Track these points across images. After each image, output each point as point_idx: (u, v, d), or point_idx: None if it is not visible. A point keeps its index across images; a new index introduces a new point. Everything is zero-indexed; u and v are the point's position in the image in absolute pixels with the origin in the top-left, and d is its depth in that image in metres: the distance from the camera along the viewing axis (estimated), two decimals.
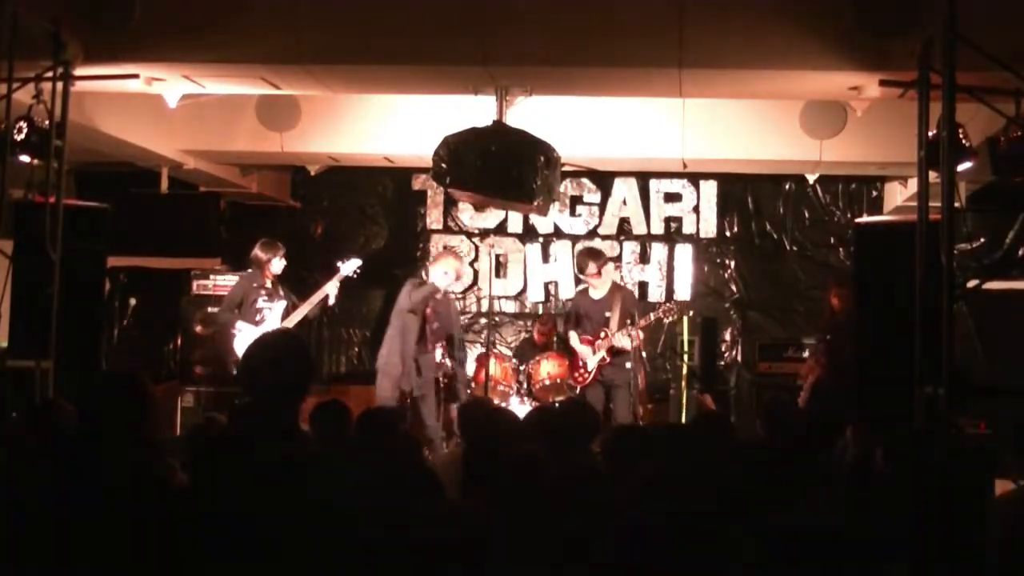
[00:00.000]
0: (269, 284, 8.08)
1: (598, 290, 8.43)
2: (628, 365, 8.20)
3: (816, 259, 10.41)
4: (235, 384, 7.50)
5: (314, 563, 2.64)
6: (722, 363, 10.40)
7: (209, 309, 9.10)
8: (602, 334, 8.26)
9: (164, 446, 3.79)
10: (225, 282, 9.22)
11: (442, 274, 8.07)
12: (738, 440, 4.63)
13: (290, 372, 3.25)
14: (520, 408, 7.90)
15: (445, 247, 10.09)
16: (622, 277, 10.04)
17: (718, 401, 9.48)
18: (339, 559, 2.64)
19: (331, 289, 8.02)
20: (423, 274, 9.47)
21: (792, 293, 10.44)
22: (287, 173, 10.86)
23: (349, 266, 8.15)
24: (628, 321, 8.16)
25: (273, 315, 8.01)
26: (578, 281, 9.43)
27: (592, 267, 8.33)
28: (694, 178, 10.44)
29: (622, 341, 8.16)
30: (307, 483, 2.78)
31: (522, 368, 9.10)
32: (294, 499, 2.72)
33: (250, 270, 8.27)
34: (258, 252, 8.08)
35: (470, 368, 8.88)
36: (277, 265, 8.08)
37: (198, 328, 9.21)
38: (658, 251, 10.60)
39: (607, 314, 8.27)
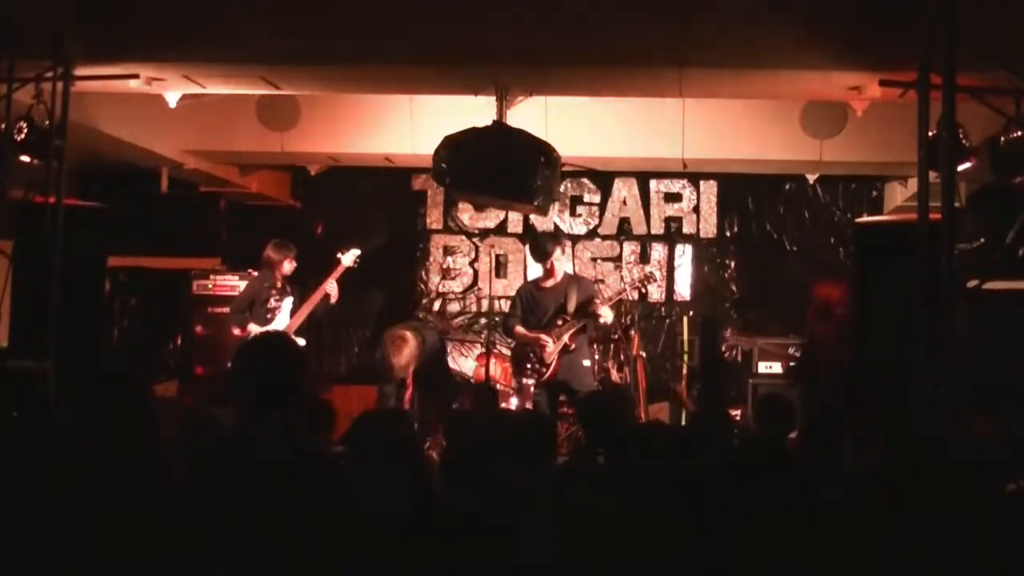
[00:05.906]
0: (279, 284, 8.08)
1: (550, 280, 7.61)
2: (586, 363, 7.62)
3: (816, 259, 10.41)
4: None
5: (310, 562, 2.64)
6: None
7: (209, 309, 9.09)
8: (559, 321, 7.43)
9: (163, 446, 3.78)
10: (225, 282, 9.21)
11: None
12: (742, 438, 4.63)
13: (281, 373, 3.25)
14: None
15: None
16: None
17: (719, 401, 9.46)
18: (335, 557, 2.64)
19: (332, 288, 8.02)
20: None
21: (792, 293, 10.41)
22: (287, 173, 10.86)
23: (349, 256, 8.12)
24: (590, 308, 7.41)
25: (283, 313, 8.01)
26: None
27: (558, 251, 7.55)
28: (694, 178, 10.45)
29: (606, 314, 7.48)
30: (302, 483, 2.79)
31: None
32: (291, 499, 2.72)
33: (260, 271, 8.26)
34: (271, 253, 8.06)
35: (470, 368, 8.83)
36: (288, 266, 8.07)
37: (198, 328, 9.21)
38: (658, 251, 10.60)
39: (562, 301, 7.47)
